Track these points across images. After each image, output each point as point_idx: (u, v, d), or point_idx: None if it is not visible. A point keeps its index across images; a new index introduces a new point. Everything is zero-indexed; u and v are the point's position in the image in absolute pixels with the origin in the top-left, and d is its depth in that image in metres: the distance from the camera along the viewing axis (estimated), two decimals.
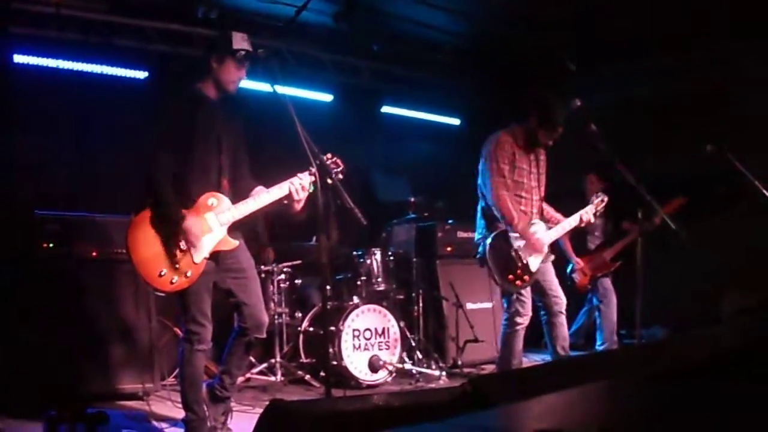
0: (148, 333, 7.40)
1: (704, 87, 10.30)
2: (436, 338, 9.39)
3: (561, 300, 7.00)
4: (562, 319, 7.01)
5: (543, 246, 6.82)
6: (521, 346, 7.04)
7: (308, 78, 10.34)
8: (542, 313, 7.03)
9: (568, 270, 9.53)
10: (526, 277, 6.77)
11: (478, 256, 7.02)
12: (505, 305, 6.99)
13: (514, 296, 6.86)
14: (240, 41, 5.55)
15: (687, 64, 10.50)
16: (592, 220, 7.20)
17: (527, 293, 6.88)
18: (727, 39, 9.89)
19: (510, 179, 6.83)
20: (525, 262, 6.76)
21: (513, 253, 6.74)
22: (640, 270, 6.94)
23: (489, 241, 6.81)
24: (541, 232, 6.89)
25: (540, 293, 6.98)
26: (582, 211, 7.10)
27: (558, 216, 7.21)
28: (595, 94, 10.26)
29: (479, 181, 7.01)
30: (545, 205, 7.22)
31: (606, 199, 7.26)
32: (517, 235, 6.77)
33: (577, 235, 9.48)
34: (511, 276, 6.75)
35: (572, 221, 7.08)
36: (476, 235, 7.11)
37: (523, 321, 6.89)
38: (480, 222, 7.06)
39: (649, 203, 6.99)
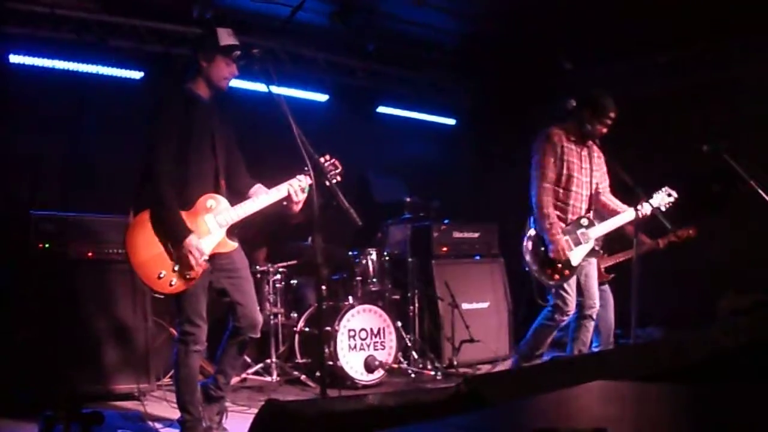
0: (144, 333, 7.39)
1: (700, 85, 10.31)
2: (431, 338, 9.38)
3: (595, 304, 7.01)
4: (591, 324, 7.01)
5: (564, 255, 6.75)
6: (549, 341, 7.06)
7: (303, 78, 10.34)
8: (575, 312, 7.01)
9: None
10: (566, 272, 6.77)
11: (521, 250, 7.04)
12: (552, 300, 6.97)
13: (558, 291, 6.86)
14: (226, 37, 5.52)
15: (683, 63, 10.51)
16: (648, 214, 6.99)
17: (571, 289, 6.88)
18: (723, 36, 9.91)
19: (556, 172, 6.84)
20: (567, 256, 6.76)
21: (547, 252, 6.74)
22: (636, 270, 6.94)
23: (530, 233, 6.86)
24: (587, 228, 6.88)
25: (577, 291, 6.96)
26: (639, 205, 6.86)
27: (620, 208, 7.12)
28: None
29: (531, 176, 6.99)
30: (609, 198, 7.20)
31: (674, 194, 7.15)
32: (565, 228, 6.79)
33: None
34: (549, 270, 6.76)
35: (627, 216, 6.98)
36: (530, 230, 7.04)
37: (563, 318, 6.91)
38: (530, 219, 7.03)
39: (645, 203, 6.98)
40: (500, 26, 9.96)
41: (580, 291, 6.96)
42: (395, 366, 8.33)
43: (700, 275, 9.79)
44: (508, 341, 9.71)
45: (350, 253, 8.89)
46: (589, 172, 7.03)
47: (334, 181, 5.58)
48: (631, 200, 6.94)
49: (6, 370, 6.60)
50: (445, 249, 9.66)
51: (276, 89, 5.41)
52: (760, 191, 7.07)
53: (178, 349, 5.44)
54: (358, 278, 8.71)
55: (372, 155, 11.55)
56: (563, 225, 6.85)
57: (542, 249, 6.78)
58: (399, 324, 8.65)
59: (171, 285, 5.25)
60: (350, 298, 8.56)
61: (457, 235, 9.80)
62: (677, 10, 9.15)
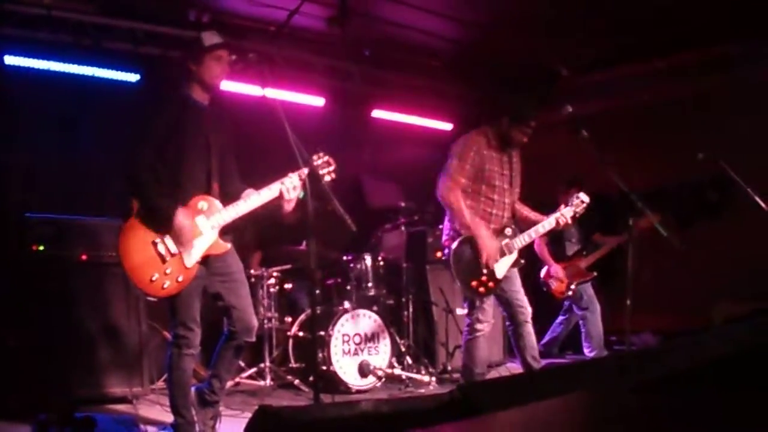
0: (138, 336, 7.38)
1: (696, 92, 10.33)
2: (425, 343, 9.39)
3: (527, 309, 6.82)
4: (529, 328, 6.82)
5: (494, 253, 6.63)
6: (484, 354, 6.90)
7: (299, 82, 10.34)
8: (508, 323, 6.93)
9: (543, 275, 9.54)
10: (491, 284, 6.62)
11: (444, 258, 6.93)
12: (466, 311, 6.89)
13: (478, 303, 6.74)
14: (210, 37, 5.55)
15: (679, 70, 10.53)
16: (570, 222, 6.99)
17: (490, 300, 6.77)
18: (721, 42, 9.93)
19: (477, 182, 6.72)
20: (491, 268, 6.63)
21: (478, 259, 6.59)
22: (630, 276, 6.94)
23: (454, 245, 6.70)
24: (510, 238, 6.77)
25: (505, 303, 6.84)
26: (558, 213, 6.91)
27: (536, 216, 7.00)
28: (587, 100, 10.31)
29: (439, 178, 6.88)
30: (522, 206, 7.07)
31: (586, 200, 7.03)
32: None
33: (555, 241, 9.51)
34: (474, 282, 6.60)
35: (546, 224, 6.88)
36: (443, 237, 6.96)
37: (484, 328, 6.78)
38: (447, 224, 6.94)
39: (641, 211, 6.98)
40: (496, 32, 9.96)
41: (508, 302, 6.81)
42: (389, 371, 8.32)
43: (695, 282, 9.80)
44: (502, 347, 9.73)
45: (345, 257, 8.88)
46: (508, 179, 6.91)
47: (328, 178, 5.59)
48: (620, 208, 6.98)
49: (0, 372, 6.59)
50: (439, 254, 9.63)
51: (272, 93, 5.41)
52: (757, 198, 7.08)
53: (171, 352, 5.43)
54: (353, 283, 8.72)
55: (367, 160, 11.57)
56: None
57: (467, 261, 6.61)
58: (393, 329, 8.66)
59: (164, 288, 5.24)
60: (344, 302, 8.56)
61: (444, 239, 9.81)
62: (670, 17, 9.18)
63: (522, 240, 6.81)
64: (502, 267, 6.69)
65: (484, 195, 6.76)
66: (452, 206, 6.67)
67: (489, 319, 6.81)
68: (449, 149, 6.92)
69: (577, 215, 7.03)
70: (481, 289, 6.63)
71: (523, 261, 6.89)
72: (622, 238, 9.09)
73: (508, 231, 6.78)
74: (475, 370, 6.87)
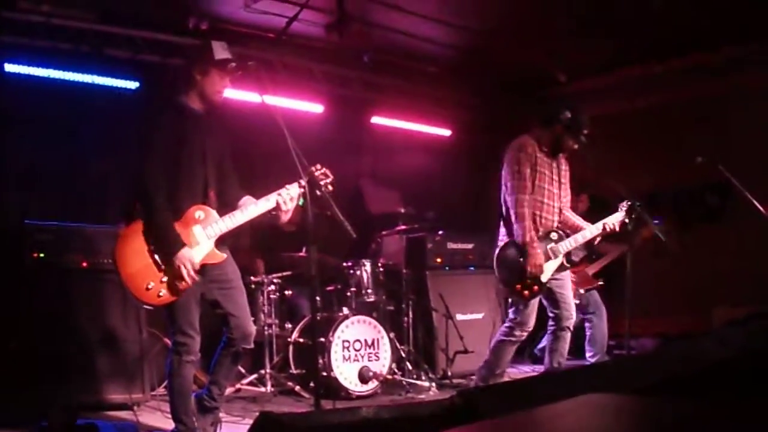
0: (138, 343, 7.39)
1: (696, 96, 10.34)
2: (425, 349, 9.38)
3: (572, 315, 6.90)
4: (568, 336, 6.91)
5: (540, 269, 6.63)
6: (509, 358, 7.00)
7: (298, 89, 10.34)
8: (550, 323, 6.93)
9: None
10: (535, 288, 6.64)
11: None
12: (511, 315, 6.89)
13: (521, 306, 6.76)
14: (221, 51, 5.52)
15: (678, 74, 10.54)
16: (617, 229, 7.00)
17: (534, 306, 6.79)
18: (717, 47, 9.95)
19: (531, 183, 6.74)
20: (542, 271, 6.64)
21: (523, 262, 6.61)
22: (630, 281, 6.94)
23: (498, 248, 6.77)
24: (556, 242, 6.79)
25: (553, 303, 6.88)
26: (606, 219, 6.94)
27: (581, 224, 7.03)
28: (585, 105, 10.31)
29: (502, 187, 6.89)
30: (569, 213, 7.10)
31: (639, 204, 7.01)
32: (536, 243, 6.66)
33: None
34: (519, 285, 6.64)
35: (594, 230, 6.92)
36: (499, 243, 6.95)
37: (522, 334, 6.83)
38: (501, 230, 6.95)
39: (643, 220, 6.98)
40: (495, 38, 9.97)
41: (556, 303, 6.86)
42: (389, 377, 8.33)
43: (695, 286, 9.81)
44: None
45: (345, 264, 8.88)
46: (558, 184, 6.96)
47: (326, 190, 5.60)
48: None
49: (0, 380, 6.59)
50: (439, 260, 9.66)
51: (270, 100, 5.41)
52: (755, 203, 7.09)
53: (171, 359, 5.43)
54: (353, 289, 8.71)
55: (367, 166, 11.57)
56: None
57: (513, 264, 6.65)
58: (393, 335, 8.66)
59: (159, 296, 5.24)
60: (344, 309, 8.57)
61: (451, 246, 9.81)
62: (669, 22, 9.19)
63: (568, 244, 6.82)
64: (547, 271, 6.70)
65: (536, 198, 6.79)
66: (519, 223, 6.67)
67: (529, 328, 6.84)
68: (503, 156, 6.93)
69: (627, 220, 7.03)
70: (526, 292, 6.66)
71: (568, 265, 6.90)
72: (625, 247, 9.09)
73: (554, 235, 6.80)
74: (496, 371, 6.93)
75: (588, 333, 9.49)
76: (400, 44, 10.29)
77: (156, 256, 5.26)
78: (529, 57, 10.62)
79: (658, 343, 10.09)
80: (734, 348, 2.43)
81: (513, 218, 6.70)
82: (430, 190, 11.58)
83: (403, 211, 9.45)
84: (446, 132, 12.39)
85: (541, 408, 1.93)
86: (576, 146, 6.87)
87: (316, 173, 5.59)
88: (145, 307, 5.57)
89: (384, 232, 9.63)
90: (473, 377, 8.98)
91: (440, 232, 9.77)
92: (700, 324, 9.39)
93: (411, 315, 9.20)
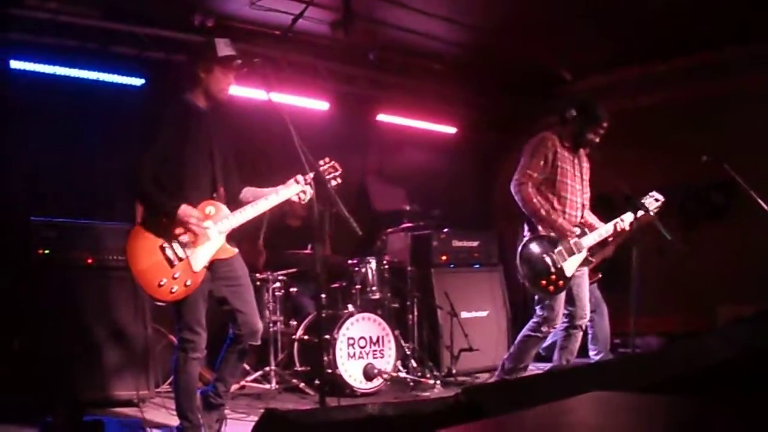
0: (143, 340, 7.40)
1: (700, 95, 10.33)
2: (430, 347, 9.38)
3: (586, 315, 6.92)
4: (579, 334, 6.92)
5: (571, 229, 6.69)
6: (534, 353, 7.01)
7: (304, 86, 10.34)
8: (564, 321, 6.90)
9: None
10: (560, 282, 6.63)
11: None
12: (538, 311, 6.86)
13: (548, 302, 6.75)
14: (224, 48, 5.53)
15: (682, 73, 10.53)
16: (627, 228, 6.99)
17: (560, 302, 6.78)
18: (721, 46, 9.94)
19: (551, 179, 6.75)
20: (560, 266, 6.64)
21: (547, 258, 6.62)
22: (635, 280, 6.93)
23: (522, 244, 6.74)
24: (579, 237, 6.78)
25: (569, 301, 6.86)
26: (617, 219, 6.95)
27: (596, 222, 7.04)
28: None
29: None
30: (590, 214, 7.12)
31: (661, 198, 7.06)
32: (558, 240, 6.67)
33: None
34: (544, 281, 6.62)
35: (610, 228, 6.93)
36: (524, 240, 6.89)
37: (550, 330, 6.83)
38: (524, 226, 6.92)
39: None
40: (500, 36, 9.97)
41: (572, 301, 6.86)
42: (394, 374, 8.33)
43: (700, 284, 9.80)
44: (507, 350, 9.69)
45: (350, 261, 8.88)
46: (580, 180, 6.97)
47: (334, 183, 5.60)
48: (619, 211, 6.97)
49: (5, 376, 6.60)
50: (444, 257, 9.65)
51: (276, 97, 5.42)
52: (760, 201, 7.08)
53: (177, 356, 5.44)
54: (358, 286, 8.71)
55: (372, 163, 11.58)
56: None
57: (537, 260, 6.65)
58: (398, 332, 8.66)
59: (172, 292, 5.26)
60: (349, 306, 8.56)
61: (456, 243, 9.81)
62: (675, 20, 9.18)
63: (591, 239, 6.83)
64: (571, 265, 6.70)
65: (558, 193, 6.79)
66: (524, 200, 6.68)
67: (557, 324, 6.83)
68: (521, 151, 6.93)
69: (651, 214, 7.04)
70: (551, 288, 6.64)
71: (593, 260, 6.91)
72: (619, 240, 9.11)
73: (578, 230, 6.78)
74: (520, 365, 6.95)
75: (591, 331, 9.47)
76: (405, 42, 10.29)
77: (166, 252, 5.27)
78: (535, 55, 10.62)
79: (663, 342, 10.08)
80: (739, 346, 2.44)
81: (520, 201, 6.69)
82: (435, 187, 11.58)
83: (408, 208, 9.45)
84: (452, 130, 12.38)
85: (546, 406, 1.94)
86: (597, 140, 6.87)
87: (325, 166, 5.59)
88: (158, 303, 5.57)
89: (389, 230, 9.63)
90: (478, 375, 9.01)
91: (445, 230, 9.77)
92: (704, 322, 9.39)
93: (416, 312, 9.20)
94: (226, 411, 5.99)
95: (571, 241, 6.73)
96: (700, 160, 7.34)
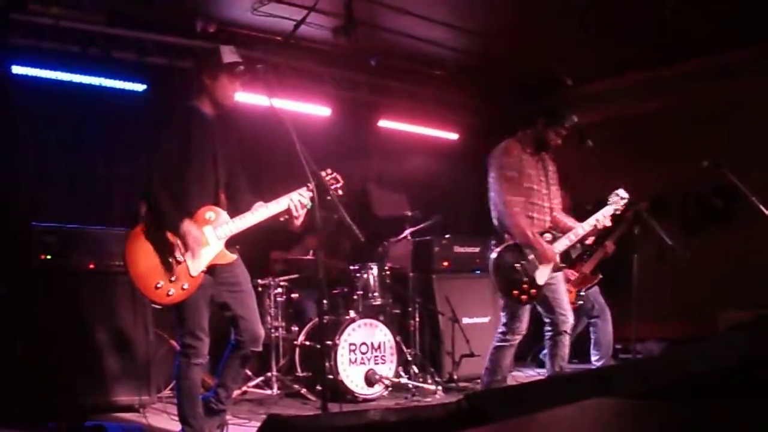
0: (145, 345, 7.40)
1: (702, 100, 10.34)
2: (432, 352, 9.38)
3: (569, 319, 6.79)
4: (567, 339, 6.82)
5: (554, 255, 6.63)
6: (509, 362, 6.95)
7: (306, 92, 10.36)
8: (547, 329, 6.82)
9: None
10: (533, 291, 6.58)
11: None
12: (503, 319, 6.83)
13: (514, 311, 6.70)
14: (230, 54, 5.55)
15: (683, 78, 10.54)
16: (608, 224, 6.95)
17: (526, 310, 6.72)
18: (722, 51, 9.95)
19: (520, 186, 6.70)
20: (532, 276, 6.58)
21: (519, 267, 6.56)
22: (636, 285, 6.93)
23: (493, 255, 6.69)
24: (550, 243, 6.69)
25: (548, 309, 6.78)
26: (597, 215, 6.87)
27: (572, 224, 6.92)
28: (592, 109, 10.32)
29: (490, 193, 6.81)
30: (560, 215, 7.03)
31: (626, 196, 6.94)
32: (528, 249, 6.61)
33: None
34: (516, 291, 6.56)
35: (586, 226, 6.83)
36: (493, 249, 6.84)
37: (516, 339, 6.75)
38: (492, 238, 6.86)
39: (646, 220, 6.98)
40: (502, 42, 9.99)
41: (550, 309, 6.76)
42: (395, 380, 8.33)
43: (700, 290, 9.80)
44: None
45: (352, 267, 8.89)
46: (546, 184, 6.90)
47: (336, 195, 5.60)
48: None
49: (8, 381, 6.60)
50: (446, 263, 9.65)
51: (278, 103, 5.42)
52: (761, 207, 7.08)
53: (179, 362, 5.44)
54: (359, 292, 8.71)
55: (374, 169, 11.59)
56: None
57: (509, 269, 6.57)
58: (399, 338, 8.66)
59: (168, 295, 5.26)
60: (351, 312, 8.56)
61: (458, 249, 9.81)
62: (676, 26, 9.19)
63: (562, 244, 6.76)
64: (543, 273, 6.65)
65: (527, 199, 6.75)
66: (514, 231, 6.62)
67: (523, 331, 6.77)
68: (487, 161, 6.89)
69: (618, 212, 7.00)
70: (523, 297, 6.58)
71: (563, 265, 6.87)
72: (614, 237, 9.14)
73: (548, 236, 6.71)
74: (496, 377, 6.86)
75: (593, 337, 9.47)
76: (407, 48, 10.31)
77: (165, 255, 5.28)
78: (536, 61, 10.63)
79: (664, 347, 10.08)
80: (739, 352, 2.44)
81: (507, 221, 6.65)
82: (436, 193, 11.59)
83: (409, 214, 9.45)
84: (453, 136, 12.40)
85: (547, 412, 1.94)
86: (559, 141, 6.85)
87: (327, 178, 5.59)
88: (155, 306, 5.57)
89: (391, 236, 9.63)
90: (479, 381, 9.00)
91: (447, 236, 9.77)
92: (705, 328, 9.39)
93: (417, 318, 9.21)
94: (228, 417, 6.00)
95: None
96: (700, 165, 7.34)
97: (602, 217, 6.85)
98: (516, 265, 6.57)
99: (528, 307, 6.74)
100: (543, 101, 10.63)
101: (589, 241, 9.46)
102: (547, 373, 6.99)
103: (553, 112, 6.82)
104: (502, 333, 6.79)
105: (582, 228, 6.84)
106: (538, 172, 6.86)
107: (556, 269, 6.76)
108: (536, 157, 6.87)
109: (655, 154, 10.56)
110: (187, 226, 5.25)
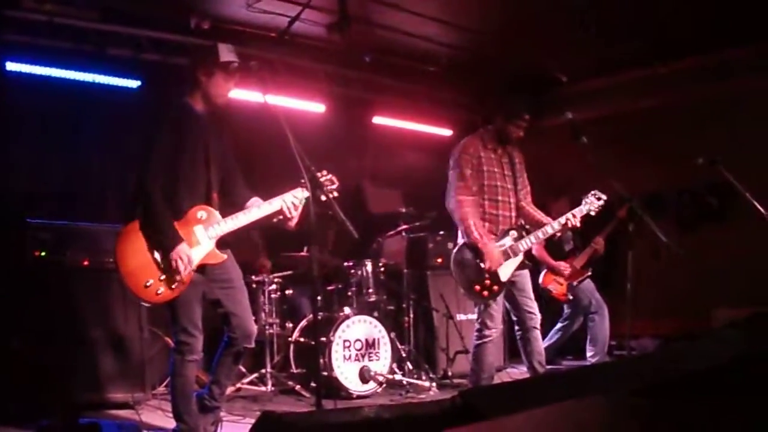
0: (139, 342, 7.39)
1: (698, 97, 10.35)
2: (426, 349, 9.39)
3: (536, 315, 6.78)
4: (537, 334, 6.79)
5: (498, 262, 6.59)
6: (492, 359, 6.89)
7: (300, 88, 10.35)
8: (516, 328, 6.86)
9: (541, 281, 9.47)
10: (495, 287, 6.57)
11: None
12: (477, 316, 6.84)
13: (483, 307, 6.70)
14: (227, 53, 5.54)
15: (679, 76, 10.55)
16: (578, 225, 6.86)
17: (497, 305, 6.70)
18: (719, 49, 9.96)
19: (478, 184, 6.70)
20: (494, 271, 6.56)
21: (480, 263, 6.54)
22: (631, 282, 6.94)
23: (454, 251, 6.73)
24: (515, 240, 6.69)
25: (514, 307, 6.81)
26: (568, 213, 6.82)
27: (544, 219, 6.91)
28: (587, 106, 10.33)
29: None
30: (531, 208, 7.01)
31: (603, 197, 6.94)
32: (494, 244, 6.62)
33: (553, 245, 9.44)
34: (478, 287, 6.56)
35: (556, 225, 6.77)
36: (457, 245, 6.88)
37: (492, 333, 6.72)
38: (457, 232, 6.88)
39: (641, 217, 6.97)
40: (496, 38, 9.98)
41: (517, 306, 6.78)
42: (390, 377, 8.33)
43: (695, 287, 9.82)
44: (502, 352, 9.69)
45: (346, 263, 8.89)
46: (512, 179, 6.91)
47: (331, 196, 5.59)
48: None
49: (1, 378, 6.59)
50: (440, 260, 9.64)
51: (272, 99, 5.42)
52: (756, 204, 7.09)
53: (174, 359, 5.44)
54: (354, 289, 8.72)
55: (368, 166, 11.57)
56: (493, 236, 6.70)
57: (469, 266, 6.60)
58: (394, 335, 8.66)
59: (157, 294, 5.25)
60: (345, 308, 8.57)
61: (452, 246, 9.79)
62: (672, 23, 9.19)
63: (527, 242, 6.74)
64: (506, 270, 6.63)
65: (488, 197, 6.75)
66: (462, 223, 6.66)
67: (497, 325, 6.75)
68: (449, 158, 6.90)
69: (592, 213, 6.97)
70: (485, 293, 6.58)
71: (529, 263, 6.86)
72: (605, 234, 9.17)
73: (513, 233, 6.71)
74: (482, 375, 6.85)
75: (589, 333, 9.48)
76: (401, 44, 10.30)
77: (155, 254, 5.27)
78: (530, 57, 10.63)
79: (659, 344, 10.09)
80: (734, 349, 2.44)
81: (456, 220, 6.69)
82: (431, 190, 11.54)
83: (404, 211, 9.44)
84: (447, 132, 12.39)
85: (542, 408, 1.94)
86: (520, 133, 6.86)
87: (322, 179, 5.58)
88: (144, 304, 5.57)
89: (385, 232, 9.63)
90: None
91: (441, 233, 9.76)
92: (700, 325, 9.40)
93: (412, 315, 9.22)
94: (222, 413, 6.00)
95: (508, 245, 6.67)
96: (695, 162, 7.34)
97: (572, 217, 6.83)
98: (478, 261, 6.57)
99: (500, 301, 6.73)
100: (538, 98, 10.66)
101: (570, 243, 9.52)
102: (527, 370, 6.97)
103: (510, 107, 6.83)
104: (478, 330, 6.80)
105: (551, 226, 6.81)
106: (503, 167, 6.87)
107: (522, 267, 6.75)
108: (499, 152, 6.87)
109: (650, 152, 10.57)
110: (182, 250, 5.24)
